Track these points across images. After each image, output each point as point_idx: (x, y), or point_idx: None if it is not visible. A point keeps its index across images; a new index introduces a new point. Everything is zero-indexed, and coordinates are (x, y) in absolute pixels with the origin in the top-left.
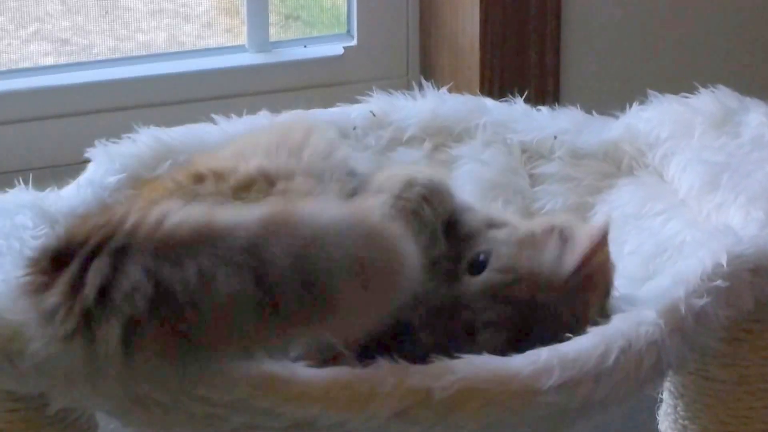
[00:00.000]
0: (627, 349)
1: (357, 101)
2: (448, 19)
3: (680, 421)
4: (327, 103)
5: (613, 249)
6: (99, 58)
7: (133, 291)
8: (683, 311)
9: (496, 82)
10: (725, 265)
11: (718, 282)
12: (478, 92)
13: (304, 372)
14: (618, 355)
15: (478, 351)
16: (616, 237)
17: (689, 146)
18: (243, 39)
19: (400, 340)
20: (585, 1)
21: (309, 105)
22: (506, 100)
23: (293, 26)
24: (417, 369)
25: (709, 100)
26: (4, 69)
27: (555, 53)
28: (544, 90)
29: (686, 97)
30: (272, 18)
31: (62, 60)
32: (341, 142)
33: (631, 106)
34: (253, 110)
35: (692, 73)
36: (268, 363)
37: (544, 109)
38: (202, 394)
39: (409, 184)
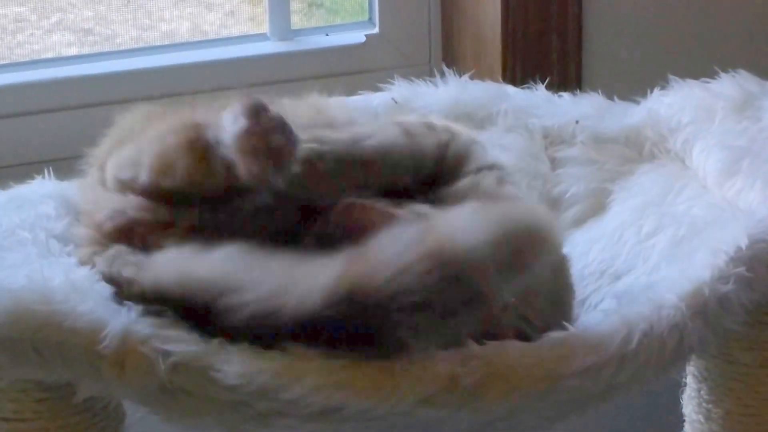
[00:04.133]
0: (649, 332)
1: (379, 89)
2: (469, 6)
3: (704, 404)
4: (349, 92)
5: (632, 234)
6: (122, 47)
7: None
8: (706, 295)
9: (518, 69)
10: (745, 249)
11: (741, 267)
12: (501, 79)
13: (328, 360)
14: (640, 338)
15: None
16: (635, 221)
17: (710, 131)
18: (266, 27)
19: None
20: None
21: (331, 93)
22: (528, 87)
23: (316, 14)
24: (442, 355)
25: (729, 85)
26: (27, 59)
27: (577, 40)
28: (566, 76)
29: (707, 82)
30: (296, 5)
31: (85, 50)
32: None
33: (652, 91)
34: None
35: (713, 58)
36: (292, 352)
37: (565, 95)
38: (227, 383)
39: None
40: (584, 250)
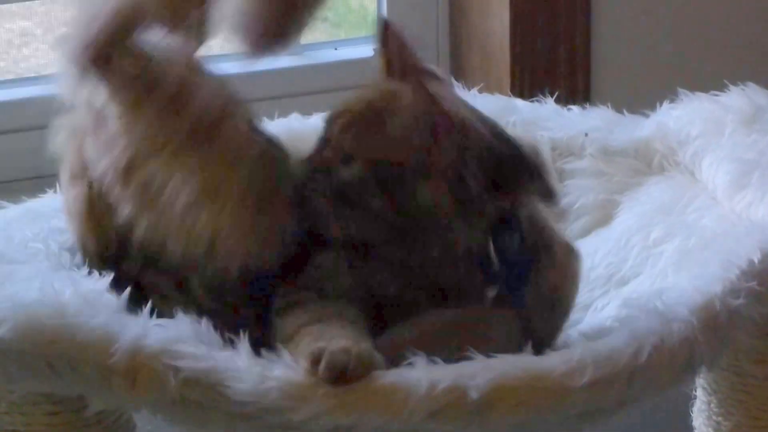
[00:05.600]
0: (659, 345)
1: None
2: (477, 19)
3: (714, 417)
4: None
5: (640, 239)
6: None
7: None
8: (717, 309)
9: (527, 82)
10: (757, 263)
11: (753, 282)
12: (509, 92)
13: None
14: (651, 352)
15: None
16: (642, 227)
17: (720, 144)
18: None
19: None
20: (614, 0)
21: None
22: (537, 100)
23: (320, 27)
24: (451, 368)
25: (739, 98)
26: (34, 75)
27: (585, 53)
28: (575, 89)
29: (716, 95)
30: None
31: None
32: None
33: (661, 104)
34: (284, 113)
35: (722, 71)
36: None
37: (574, 108)
38: (238, 399)
39: None
40: (590, 252)
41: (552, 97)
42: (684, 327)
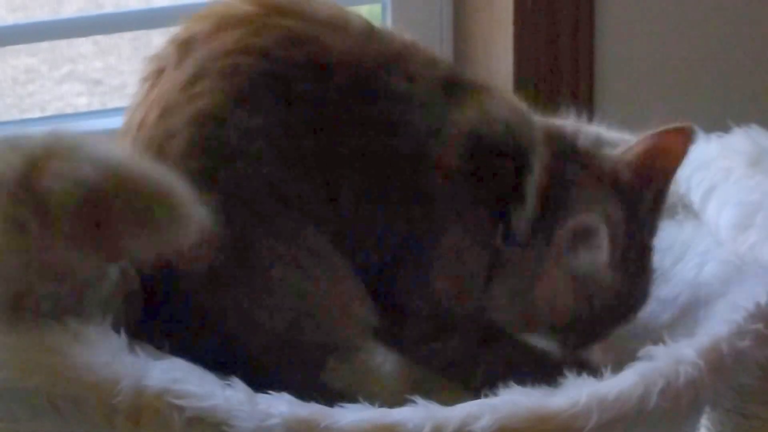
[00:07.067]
0: (666, 388)
1: None
2: (481, 54)
3: None
4: None
5: None
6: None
7: None
8: (724, 351)
9: None
10: (764, 305)
11: (759, 324)
12: None
13: (341, 415)
14: (657, 395)
15: None
16: None
17: (724, 186)
18: None
19: None
20: (618, 39)
21: None
22: None
23: None
24: (455, 409)
25: (743, 140)
26: (39, 115)
27: (588, 90)
28: None
29: (720, 137)
30: None
31: (95, 100)
32: None
33: None
34: None
35: (725, 113)
36: (305, 405)
37: None
38: None
39: None
40: None
41: None
42: (691, 369)
